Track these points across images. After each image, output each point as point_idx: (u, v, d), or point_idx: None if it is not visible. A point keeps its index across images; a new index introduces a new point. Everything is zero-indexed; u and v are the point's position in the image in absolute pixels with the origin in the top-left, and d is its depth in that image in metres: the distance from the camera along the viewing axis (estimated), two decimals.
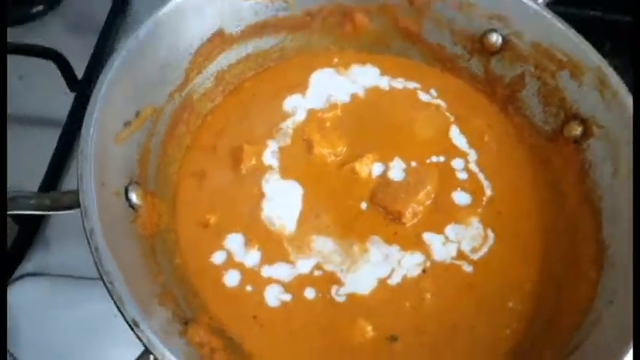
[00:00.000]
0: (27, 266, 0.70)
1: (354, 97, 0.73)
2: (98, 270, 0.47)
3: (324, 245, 0.60)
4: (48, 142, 0.78)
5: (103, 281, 0.47)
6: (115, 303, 0.46)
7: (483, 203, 0.65)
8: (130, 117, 0.59)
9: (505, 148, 0.69)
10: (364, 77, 0.74)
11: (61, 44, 0.81)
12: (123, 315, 0.45)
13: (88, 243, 0.48)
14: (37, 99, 0.83)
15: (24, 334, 0.65)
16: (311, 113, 0.70)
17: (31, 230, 0.73)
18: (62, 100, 0.82)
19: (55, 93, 0.83)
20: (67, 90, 0.82)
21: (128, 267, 0.50)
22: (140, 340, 0.45)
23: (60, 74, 0.79)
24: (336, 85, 0.73)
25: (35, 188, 0.74)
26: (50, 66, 0.79)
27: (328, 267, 0.59)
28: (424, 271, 0.60)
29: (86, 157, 0.52)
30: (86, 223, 0.49)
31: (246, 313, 0.57)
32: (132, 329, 0.45)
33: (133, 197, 0.57)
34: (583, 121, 0.65)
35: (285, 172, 0.65)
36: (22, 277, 0.69)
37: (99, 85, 0.56)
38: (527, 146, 0.70)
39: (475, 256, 0.61)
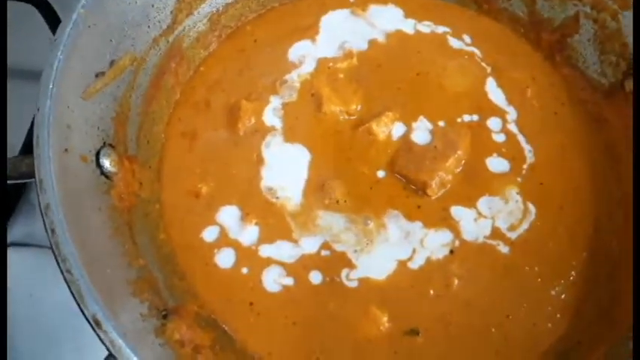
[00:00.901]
0: (12, 234, 0.66)
1: (372, 43, 0.67)
2: (54, 255, 0.40)
3: (333, 221, 0.56)
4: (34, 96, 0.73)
5: (60, 269, 0.39)
6: (73, 296, 0.38)
7: (523, 171, 0.60)
8: (103, 66, 0.53)
9: (551, 106, 0.64)
10: (385, 20, 0.69)
11: None
12: (82, 311, 0.38)
13: (43, 222, 0.41)
14: (22, 49, 0.76)
15: (10, 310, 0.59)
16: (321, 63, 0.65)
17: (14, 195, 0.68)
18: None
19: (42, 43, 0.74)
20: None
21: (95, 250, 0.44)
22: (102, 342, 0.37)
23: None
24: (351, 29, 0.68)
25: (18, 148, 0.68)
26: (36, 13, 0.74)
27: (338, 247, 0.55)
28: (452, 252, 0.55)
29: (44, 117, 0.46)
30: (41, 197, 0.42)
31: (240, 300, 0.52)
32: (93, 329, 0.38)
33: (106, 163, 0.51)
34: None
35: (290, 134, 0.61)
36: (7, 246, 0.64)
37: (62, 27, 0.49)
38: (577, 103, 0.64)
39: (512, 235, 0.56)
